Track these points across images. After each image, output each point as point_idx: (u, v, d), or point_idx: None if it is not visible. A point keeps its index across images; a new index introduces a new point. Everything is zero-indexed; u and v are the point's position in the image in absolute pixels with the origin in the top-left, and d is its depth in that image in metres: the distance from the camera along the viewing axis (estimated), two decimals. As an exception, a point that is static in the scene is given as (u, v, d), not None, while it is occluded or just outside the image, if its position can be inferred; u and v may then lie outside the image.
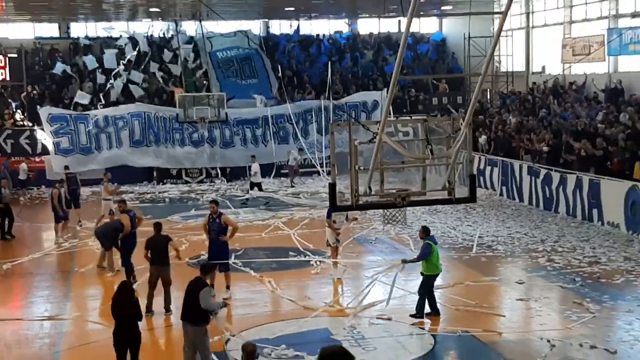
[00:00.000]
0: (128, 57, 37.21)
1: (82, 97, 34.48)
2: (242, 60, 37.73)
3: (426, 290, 14.83)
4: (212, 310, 11.63)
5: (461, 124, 9.87)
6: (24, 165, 32.37)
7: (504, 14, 8.46)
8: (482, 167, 29.03)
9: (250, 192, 29.02)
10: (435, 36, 43.97)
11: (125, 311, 11.65)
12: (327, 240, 18.18)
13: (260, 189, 29.22)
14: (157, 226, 15.99)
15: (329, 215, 17.90)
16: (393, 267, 16.12)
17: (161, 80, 37.05)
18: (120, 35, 39.49)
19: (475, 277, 17.67)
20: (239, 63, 37.68)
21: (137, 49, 37.76)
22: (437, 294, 15.67)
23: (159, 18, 39.64)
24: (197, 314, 11.55)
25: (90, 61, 37.31)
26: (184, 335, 11.86)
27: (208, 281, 12.23)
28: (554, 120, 27.99)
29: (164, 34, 39.98)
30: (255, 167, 29.31)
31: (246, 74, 37.40)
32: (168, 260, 15.52)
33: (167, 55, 38.23)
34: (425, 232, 15.23)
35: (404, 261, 15.35)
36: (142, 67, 37.05)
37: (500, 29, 9.04)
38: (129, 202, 26.98)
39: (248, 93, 35.87)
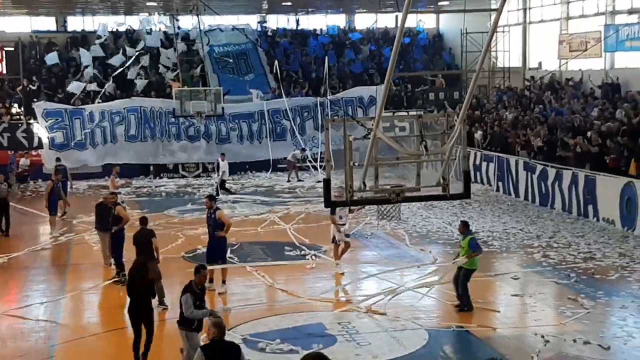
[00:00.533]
0: (133, 51, 37.16)
1: (76, 87, 34.45)
2: (238, 55, 37.75)
3: (464, 284, 14.89)
4: (192, 318, 11.43)
5: (456, 120, 9.91)
6: (23, 160, 32.35)
7: (499, 11, 8.49)
8: (477, 162, 29.07)
9: (220, 192, 28.07)
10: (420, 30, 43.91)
11: (141, 289, 12.32)
12: (334, 237, 18.00)
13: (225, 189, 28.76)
14: (143, 220, 15.97)
15: (333, 212, 17.80)
16: (451, 266, 15.91)
17: (163, 73, 36.99)
18: (116, 30, 39.53)
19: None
20: (235, 58, 37.72)
21: (139, 43, 37.72)
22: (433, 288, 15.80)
23: (157, 12, 39.59)
24: (181, 316, 11.58)
25: (86, 57, 37.08)
26: None
27: (207, 276, 12.20)
28: (550, 116, 28.01)
29: (160, 28, 39.90)
30: (224, 165, 28.94)
31: (243, 69, 37.43)
32: (154, 255, 15.37)
33: (165, 49, 38.15)
34: (465, 226, 15.33)
35: (470, 255, 14.87)
36: (142, 61, 36.90)
37: (495, 26, 9.06)
38: (125, 196, 27.19)
39: (244, 88, 35.89)
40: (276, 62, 35.91)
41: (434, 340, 13.59)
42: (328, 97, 34.27)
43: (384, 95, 9.17)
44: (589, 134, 23.80)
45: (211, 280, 16.36)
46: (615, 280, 16.83)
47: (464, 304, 14.88)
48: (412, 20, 42.02)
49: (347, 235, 18.23)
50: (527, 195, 25.97)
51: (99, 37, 38.11)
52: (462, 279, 14.89)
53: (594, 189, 22.46)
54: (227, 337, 13.42)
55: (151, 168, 33.77)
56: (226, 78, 36.62)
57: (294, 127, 33.99)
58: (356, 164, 10.28)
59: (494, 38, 8.49)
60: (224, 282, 16.55)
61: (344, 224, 17.96)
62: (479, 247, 15.08)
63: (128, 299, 12.71)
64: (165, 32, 39.19)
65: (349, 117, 10.46)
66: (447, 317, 14.69)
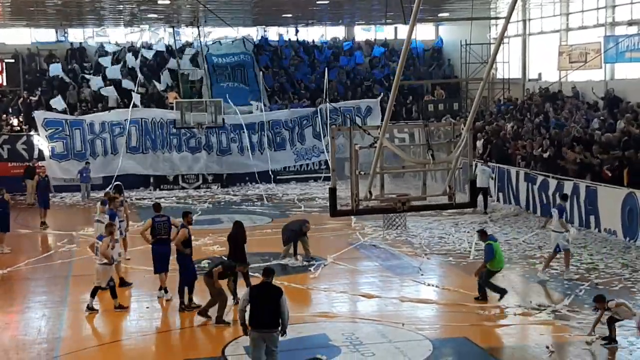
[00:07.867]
0: (129, 64, 37.23)
1: (57, 103, 34.48)
2: (236, 66, 37.78)
3: (486, 281, 16.13)
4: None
5: (462, 128, 9.90)
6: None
7: (507, 18, 8.49)
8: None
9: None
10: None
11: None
12: (559, 245, 18.16)
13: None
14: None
15: (561, 215, 18.25)
16: None
17: (161, 86, 36.99)
18: (116, 42, 39.61)
19: (473, 282, 17.64)
20: (232, 69, 37.72)
21: (137, 55, 37.79)
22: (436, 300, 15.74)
23: (157, 24, 39.62)
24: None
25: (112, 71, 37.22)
26: None
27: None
28: (551, 128, 27.99)
29: (160, 40, 39.97)
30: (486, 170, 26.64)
31: (240, 79, 37.47)
32: None
33: (165, 60, 38.23)
34: (483, 235, 16.48)
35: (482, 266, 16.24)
36: (140, 73, 36.91)
37: (502, 34, 9.07)
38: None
39: (242, 97, 35.92)
40: (272, 73, 35.97)
41: (438, 350, 13.55)
42: (328, 103, 34.25)
43: (390, 103, 9.17)
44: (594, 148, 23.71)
45: (166, 291, 16.77)
46: (619, 290, 16.73)
47: (480, 294, 16.14)
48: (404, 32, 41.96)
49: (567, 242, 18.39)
50: (527, 205, 25.93)
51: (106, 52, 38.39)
52: (485, 275, 16.15)
53: (595, 200, 22.43)
54: (229, 348, 13.56)
55: (151, 179, 33.69)
56: (223, 88, 36.61)
57: (294, 136, 34.22)
58: (362, 173, 10.26)
59: (494, 49, 8.48)
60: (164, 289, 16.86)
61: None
62: (488, 257, 16.01)
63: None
64: (165, 44, 39.30)
65: (356, 125, 10.44)
66: (451, 328, 14.64)
